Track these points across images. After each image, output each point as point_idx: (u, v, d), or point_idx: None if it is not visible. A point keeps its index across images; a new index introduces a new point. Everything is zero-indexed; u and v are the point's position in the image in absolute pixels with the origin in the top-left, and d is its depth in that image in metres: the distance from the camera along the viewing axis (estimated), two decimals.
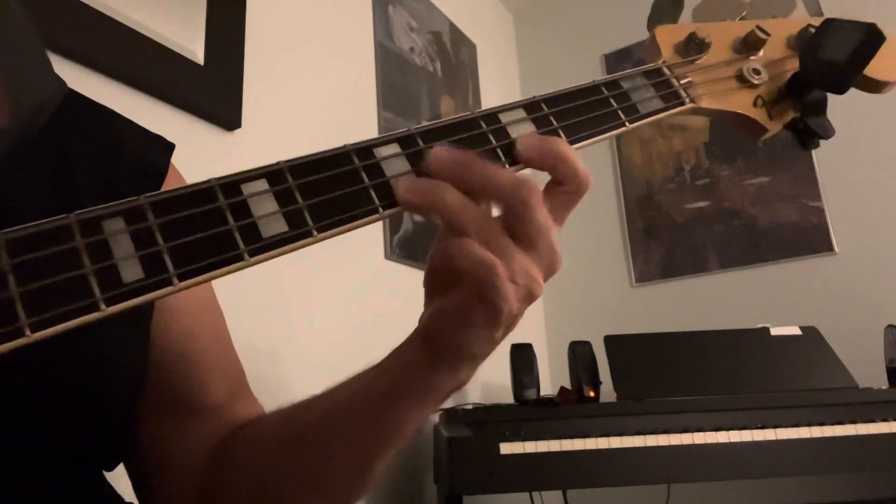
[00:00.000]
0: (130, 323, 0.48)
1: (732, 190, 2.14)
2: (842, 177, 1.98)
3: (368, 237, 1.60)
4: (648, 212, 2.26)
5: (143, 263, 0.29)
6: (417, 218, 1.74)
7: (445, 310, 0.37)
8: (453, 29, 2.21)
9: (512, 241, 0.35)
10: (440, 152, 0.36)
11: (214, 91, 1.21)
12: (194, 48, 1.18)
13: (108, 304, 0.28)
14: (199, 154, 1.16)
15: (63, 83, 0.52)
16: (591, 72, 2.43)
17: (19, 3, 0.48)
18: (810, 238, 1.98)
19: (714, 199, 2.16)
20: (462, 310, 0.36)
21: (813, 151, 2.03)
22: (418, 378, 0.40)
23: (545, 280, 0.37)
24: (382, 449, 0.44)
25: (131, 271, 0.28)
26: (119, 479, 0.53)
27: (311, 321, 1.36)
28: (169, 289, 0.29)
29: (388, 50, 1.82)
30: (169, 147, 0.56)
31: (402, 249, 1.67)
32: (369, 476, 0.46)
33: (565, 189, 0.38)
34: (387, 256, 1.62)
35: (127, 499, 0.51)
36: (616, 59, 2.43)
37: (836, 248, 1.94)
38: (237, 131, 1.25)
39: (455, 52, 2.18)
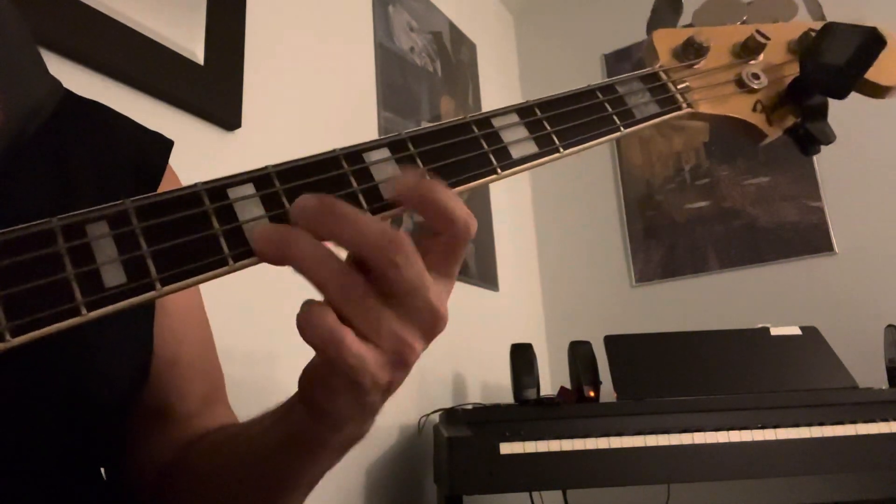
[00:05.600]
0: (130, 323, 0.47)
1: (732, 190, 2.14)
2: (842, 177, 1.98)
3: None
4: (648, 212, 2.26)
5: (126, 268, 0.29)
6: (418, 217, 1.74)
7: (310, 373, 0.34)
8: (453, 29, 2.21)
9: (382, 299, 0.31)
10: (301, 198, 0.31)
11: (214, 91, 1.20)
12: (194, 48, 1.18)
13: (90, 309, 0.27)
14: (199, 154, 1.16)
15: (59, 84, 0.51)
16: (591, 72, 2.43)
17: (11, 2, 0.48)
18: (810, 238, 1.98)
19: (714, 199, 2.16)
20: (324, 376, 0.33)
21: None
22: (307, 433, 0.38)
23: (427, 342, 0.33)
24: (284, 496, 0.43)
25: (114, 276, 0.28)
26: None
27: None
28: (152, 293, 0.29)
29: (388, 50, 1.82)
30: (167, 144, 0.55)
31: None
32: None
33: (441, 239, 0.34)
34: None
35: None
36: (616, 60, 2.42)
37: (836, 248, 1.94)
38: (237, 131, 1.25)
39: (455, 52, 2.18)
